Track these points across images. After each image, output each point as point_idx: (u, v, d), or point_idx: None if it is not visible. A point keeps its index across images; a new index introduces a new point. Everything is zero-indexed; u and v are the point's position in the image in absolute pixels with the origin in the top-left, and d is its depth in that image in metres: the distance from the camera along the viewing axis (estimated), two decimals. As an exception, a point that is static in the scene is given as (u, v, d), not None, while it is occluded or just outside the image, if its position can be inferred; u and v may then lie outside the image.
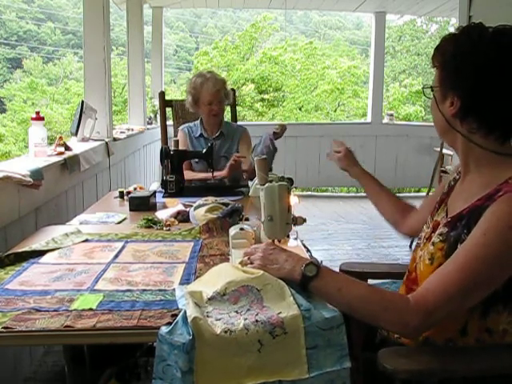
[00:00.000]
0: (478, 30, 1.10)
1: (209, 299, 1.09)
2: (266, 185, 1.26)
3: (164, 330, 1.01)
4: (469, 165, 1.17)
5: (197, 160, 2.88)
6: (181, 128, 3.05)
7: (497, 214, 1.02)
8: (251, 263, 1.20)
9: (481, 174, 1.14)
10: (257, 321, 1.00)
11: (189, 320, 1.00)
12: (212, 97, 2.84)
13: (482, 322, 1.10)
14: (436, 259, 1.14)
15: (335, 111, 14.99)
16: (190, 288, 1.18)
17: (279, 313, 1.02)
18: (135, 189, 2.47)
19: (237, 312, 1.05)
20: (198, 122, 3.02)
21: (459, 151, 1.17)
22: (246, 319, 1.01)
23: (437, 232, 1.18)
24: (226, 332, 0.98)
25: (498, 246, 1.00)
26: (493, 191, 1.06)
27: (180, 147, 2.64)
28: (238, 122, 3.50)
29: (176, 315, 1.07)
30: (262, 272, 1.13)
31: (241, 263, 1.23)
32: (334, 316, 1.03)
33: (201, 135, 2.96)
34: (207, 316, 1.04)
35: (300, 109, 14.60)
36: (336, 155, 1.66)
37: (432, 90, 1.16)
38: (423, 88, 1.20)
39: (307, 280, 1.09)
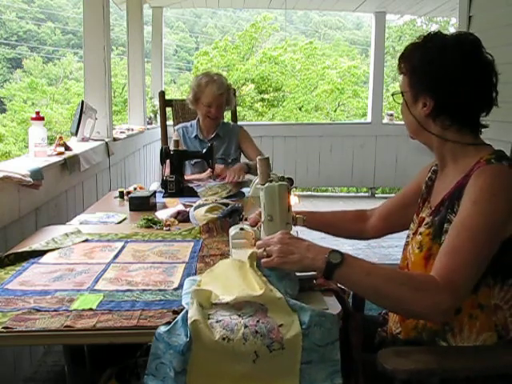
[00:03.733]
0: (440, 38, 1.21)
1: (214, 304, 1.08)
2: (266, 185, 1.26)
3: (162, 328, 1.01)
4: (445, 159, 1.25)
5: (193, 162, 2.86)
6: (176, 128, 3.02)
7: (478, 186, 1.10)
8: (268, 256, 1.12)
9: (456, 165, 1.21)
10: (256, 332, 0.99)
11: (189, 322, 1.00)
12: (213, 99, 2.81)
13: (473, 296, 1.12)
14: (425, 245, 1.18)
15: (335, 111, 14.98)
16: (201, 281, 1.18)
17: (280, 325, 1.01)
18: (135, 189, 2.47)
19: (239, 315, 1.04)
20: (194, 121, 2.99)
21: (434, 149, 1.26)
22: (246, 327, 1.00)
23: (422, 224, 1.23)
24: (224, 339, 0.98)
25: (491, 214, 1.07)
26: (468, 172, 1.15)
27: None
28: (238, 122, 3.49)
29: (177, 312, 1.07)
30: (264, 290, 1.07)
31: (251, 257, 1.16)
32: (331, 331, 1.01)
33: (196, 136, 2.94)
34: (208, 318, 1.03)
35: (300, 109, 14.59)
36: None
37: (402, 95, 1.25)
38: (393, 94, 1.30)
39: (332, 267, 1.06)
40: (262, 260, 1.13)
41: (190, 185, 2.46)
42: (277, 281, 1.12)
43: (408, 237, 1.33)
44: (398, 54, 1.28)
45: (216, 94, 2.80)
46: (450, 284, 1.02)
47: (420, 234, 1.21)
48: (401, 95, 1.25)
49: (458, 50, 1.17)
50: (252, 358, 0.98)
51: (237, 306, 1.07)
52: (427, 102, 1.19)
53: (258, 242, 1.20)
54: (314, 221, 1.51)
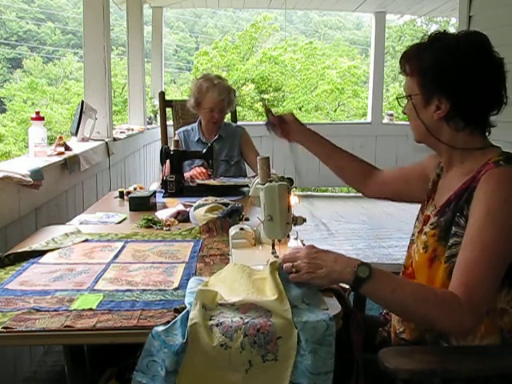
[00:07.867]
0: (448, 38, 1.16)
1: (220, 305, 1.08)
2: (266, 184, 1.26)
3: (160, 327, 1.01)
4: (452, 162, 1.23)
5: (190, 162, 2.84)
6: (177, 132, 3.02)
7: (488, 193, 1.08)
8: (296, 272, 1.12)
9: (463, 166, 1.19)
10: (255, 342, 0.99)
11: (188, 323, 1.00)
12: (215, 105, 2.80)
13: None
14: (430, 246, 1.17)
15: (335, 111, 15.00)
16: (208, 283, 1.18)
17: (279, 337, 1.01)
18: (135, 189, 2.47)
19: (241, 318, 1.04)
20: (195, 125, 2.98)
21: (442, 153, 1.24)
22: (246, 335, 1.00)
23: (428, 223, 1.22)
24: (222, 345, 0.98)
25: (504, 222, 1.05)
26: (475, 173, 1.13)
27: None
28: (238, 122, 3.49)
29: (178, 311, 1.07)
30: (276, 297, 1.07)
31: (273, 265, 1.15)
32: (326, 361, 1.00)
33: (198, 140, 2.92)
34: (210, 319, 1.03)
35: (300, 109, 14.60)
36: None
37: (410, 98, 1.19)
38: (398, 98, 1.24)
39: (360, 281, 1.06)
40: (291, 275, 1.13)
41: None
42: (296, 288, 1.12)
43: (413, 235, 1.32)
44: (399, 55, 1.24)
45: (218, 100, 2.79)
46: (471, 303, 1.01)
47: (425, 233, 1.20)
48: (407, 98, 1.20)
49: (470, 48, 1.13)
50: (245, 368, 0.99)
51: (242, 310, 1.06)
52: (442, 105, 1.15)
53: (285, 256, 1.18)
54: (317, 146, 1.67)
